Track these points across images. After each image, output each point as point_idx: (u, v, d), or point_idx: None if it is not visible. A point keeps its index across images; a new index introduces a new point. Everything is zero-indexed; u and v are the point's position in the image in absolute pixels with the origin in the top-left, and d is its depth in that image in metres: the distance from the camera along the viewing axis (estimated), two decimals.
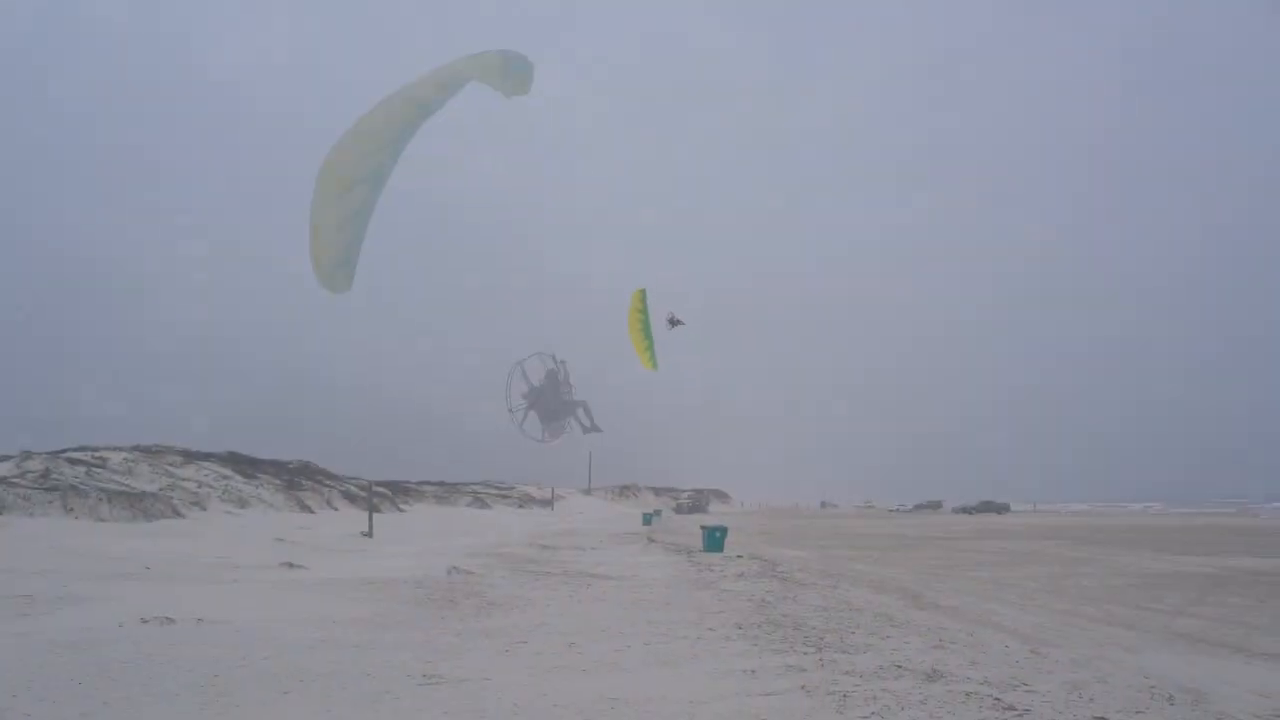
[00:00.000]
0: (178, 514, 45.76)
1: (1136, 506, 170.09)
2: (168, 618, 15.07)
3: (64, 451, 54.81)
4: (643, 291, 31.92)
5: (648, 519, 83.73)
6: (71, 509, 40.50)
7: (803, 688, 10.65)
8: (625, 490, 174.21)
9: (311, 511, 60.21)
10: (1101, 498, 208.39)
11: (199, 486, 54.60)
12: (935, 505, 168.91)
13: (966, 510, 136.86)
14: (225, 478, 59.52)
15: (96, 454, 55.70)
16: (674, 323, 31.14)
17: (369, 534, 44.04)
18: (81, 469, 50.15)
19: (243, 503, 54.92)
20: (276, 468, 71.19)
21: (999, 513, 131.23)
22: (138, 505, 43.13)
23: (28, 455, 51.39)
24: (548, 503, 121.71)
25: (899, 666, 11.89)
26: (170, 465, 58.02)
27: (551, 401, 34.74)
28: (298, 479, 69.33)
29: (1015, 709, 9.53)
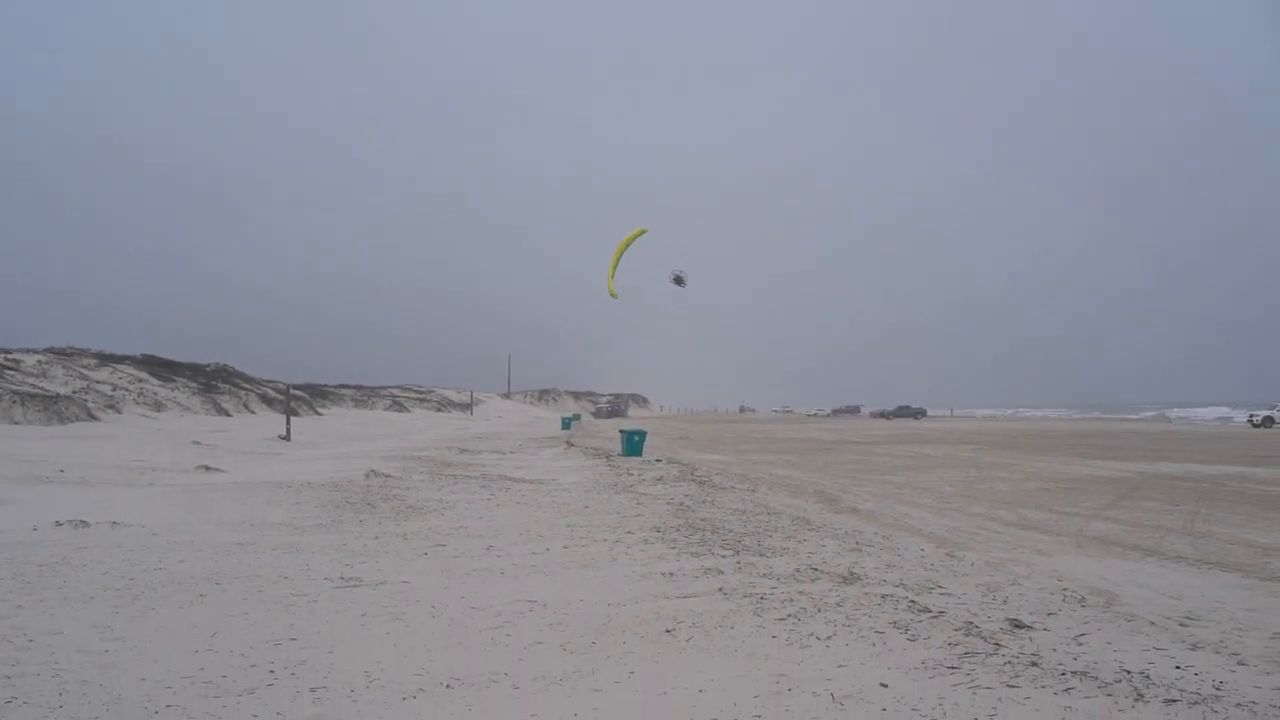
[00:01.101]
0: (92, 417, 45.28)
1: (1052, 413, 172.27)
2: (82, 521, 14.94)
3: None
4: (642, 231, 32.12)
5: (567, 423, 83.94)
6: None
7: (720, 590, 10.74)
8: (544, 394, 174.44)
9: (228, 415, 59.77)
10: (1018, 403, 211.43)
11: (114, 389, 54.00)
12: (853, 410, 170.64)
13: (884, 415, 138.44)
14: (140, 380, 58.91)
15: (9, 356, 54.90)
16: (678, 280, 31.35)
17: (286, 437, 43.84)
18: None
19: (158, 406, 54.40)
20: (193, 370, 70.57)
21: (915, 418, 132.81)
22: (51, 408, 42.60)
23: None
24: (466, 406, 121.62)
25: (816, 569, 12.02)
26: (84, 368, 57.32)
27: None
28: (215, 382, 68.76)
29: (930, 611, 9.66)
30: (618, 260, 32.00)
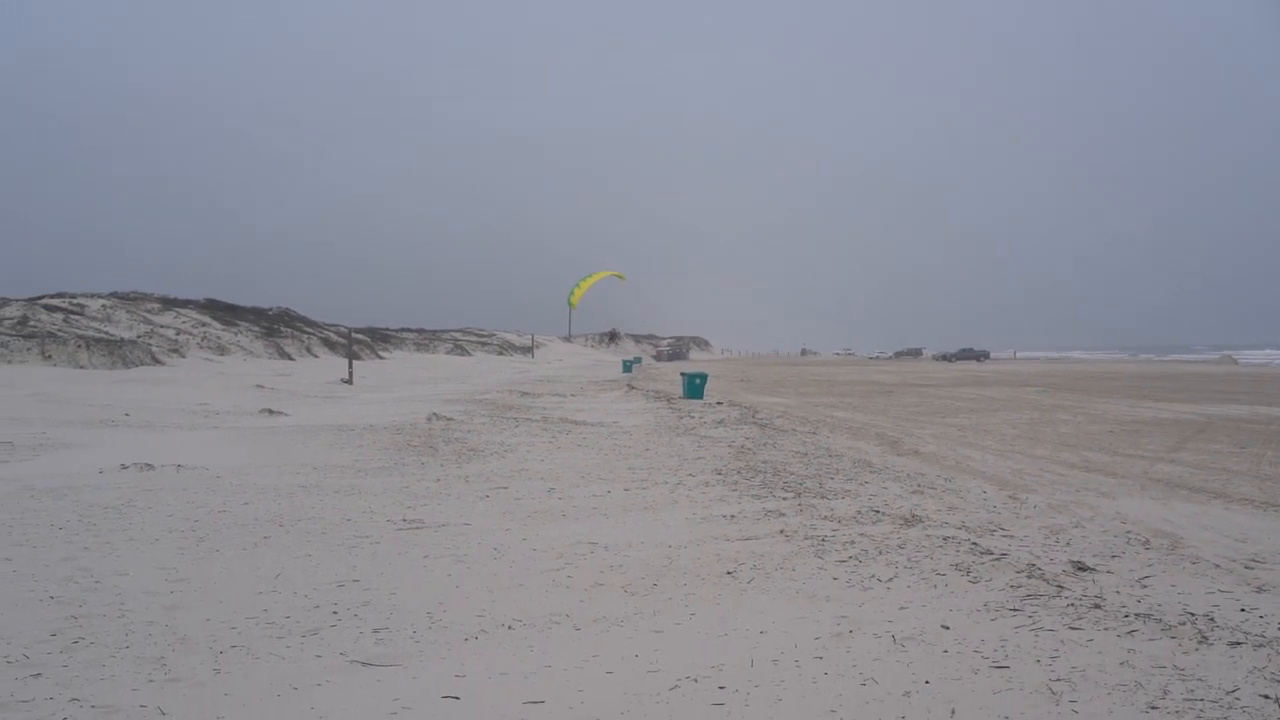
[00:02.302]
0: (156, 361, 45.76)
1: (1120, 354, 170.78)
2: (147, 464, 15.08)
3: (41, 298, 54.62)
4: (621, 277, 33.59)
5: (628, 366, 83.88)
6: (50, 356, 40.49)
7: (781, 532, 10.70)
8: (605, 337, 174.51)
9: (291, 359, 60.28)
10: (1083, 345, 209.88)
11: (177, 334, 54.57)
12: (915, 352, 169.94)
13: (946, 357, 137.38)
14: (204, 325, 59.49)
15: (74, 301, 55.54)
16: (614, 336, 33.25)
17: (349, 381, 44.10)
18: (59, 316, 50.08)
19: (221, 350, 54.94)
20: (256, 315, 71.18)
21: (978, 360, 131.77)
22: (116, 352, 43.09)
23: (4, 302, 51.22)
24: (528, 349, 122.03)
25: (877, 512, 11.96)
26: (148, 312, 57.93)
27: None
28: (277, 326, 69.34)
29: (992, 553, 9.58)
30: (587, 287, 33.35)
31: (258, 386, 37.18)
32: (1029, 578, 8.54)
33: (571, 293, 34.83)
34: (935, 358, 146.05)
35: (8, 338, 41.23)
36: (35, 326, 45.46)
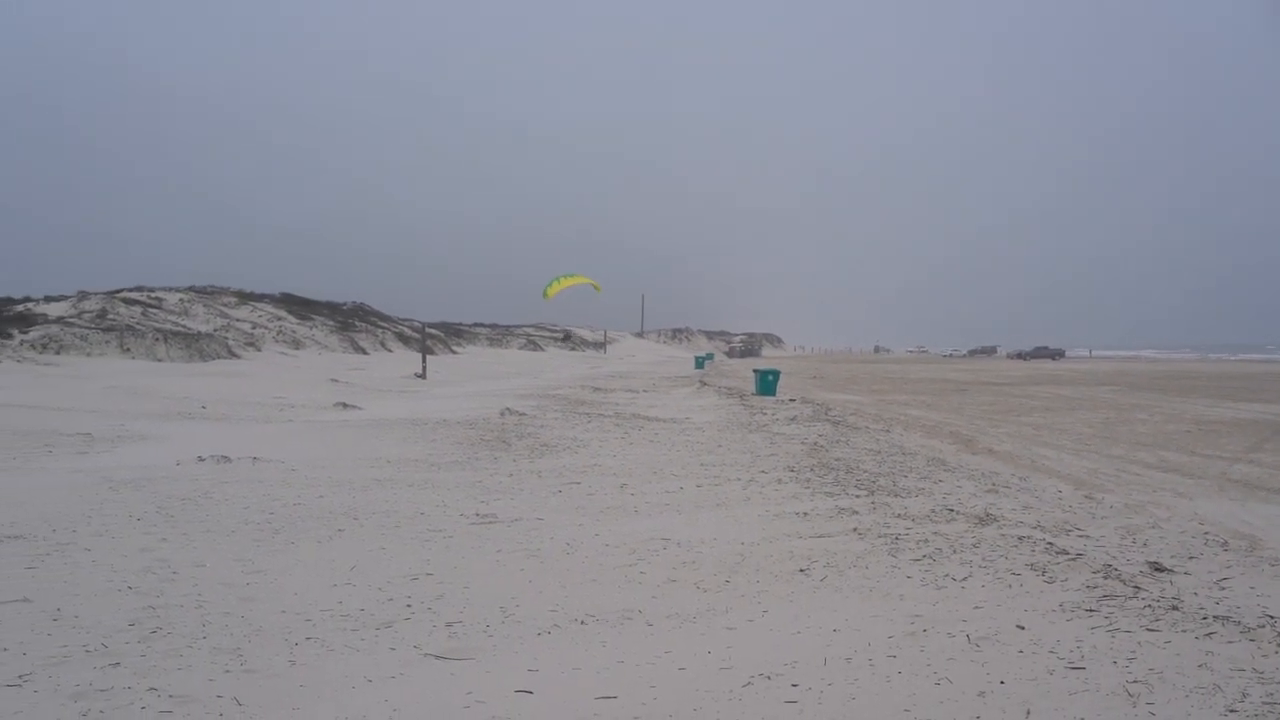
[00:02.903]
0: (233, 354, 46.28)
1: (1194, 354, 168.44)
2: (224, 456, 15.22)
3: (120, 292, 55.33)
4: (598, 289, 33.95)
5: (700, 362, 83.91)
6: (128, 349, 41.05)
7: (855, 530, 10.63)
8: (678, 334, 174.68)
9: (365, 353, 60.76)
10: (1164, 345, 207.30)
11: (253, 328, 55.15)
12: (989, 350, 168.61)
13: (1020, 355, 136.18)
14: (279, 319, 60.07)
15: (152, 294, 56.25)
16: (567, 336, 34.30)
17: (422, 375, 44.36)
18: (138, 309, 50.75)
19: (297, 343, 55.45)
20: (331, 309, 71.78)
21: (1053, 358, 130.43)
22: (193, 345, 43.61)
23: (84, 295, 51.96)
24: (600, 345, 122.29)
25: (951, 510, 11.85)
26: (225, 306, 58.60)
27: None
28: (352, 320, 69.88)
29: (1068, 553, 9.46)
30: (564, 284, 33.46)
31: (332, 380, 37.48)
32: (1105, 578, 8.43)
33: (548, 286, 34.96)
34: (1010, 356, 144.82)
35: (87, 330, 41.81)
36: (114, 320, 46.05)
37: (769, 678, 6.06)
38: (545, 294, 34.01)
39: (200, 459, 15.00)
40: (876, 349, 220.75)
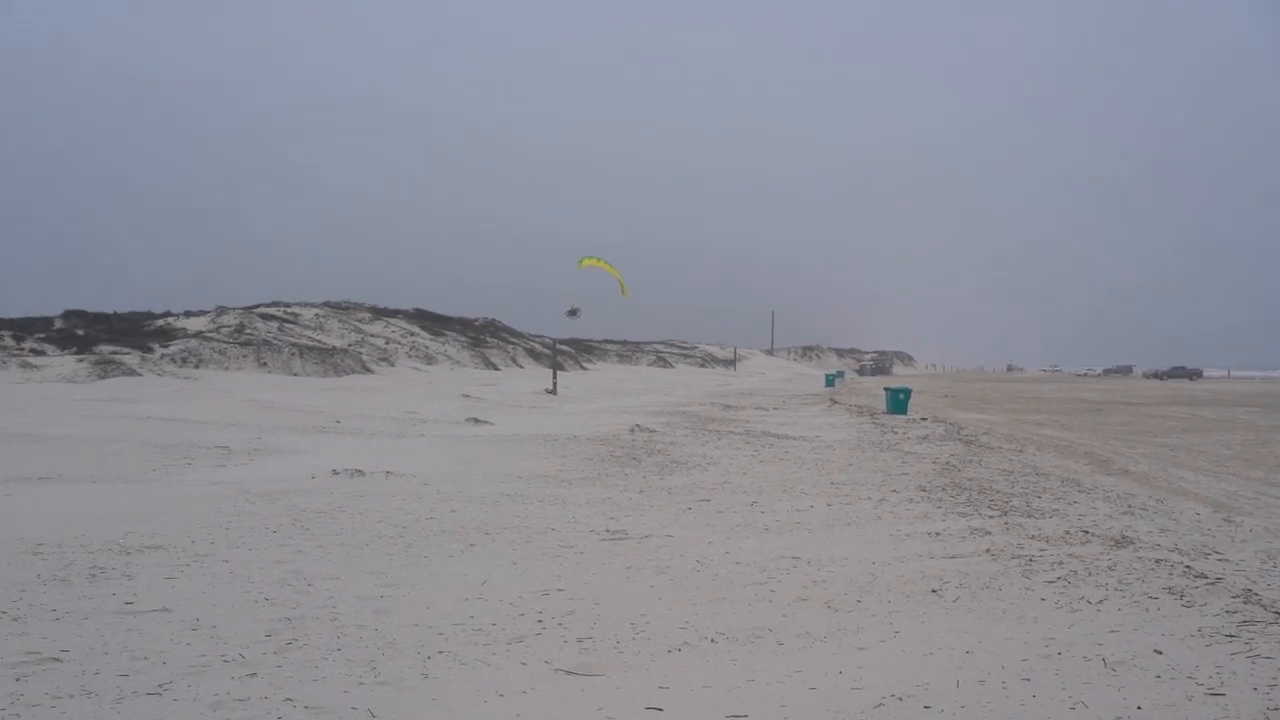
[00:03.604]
0: (367, 369, 46.97)
1: None
2: (358, 470, 15.42)
3: (257, 307, 56.52)
4: (624, 291, 34.44)
5: (830, 380, 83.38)
6: (265, 363, 41.89)
7: (988, 551, 10.46)
8: (808, 351, 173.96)
9: (496, 368, 61.29)
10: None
11: (387, 343, 55.92)
12: (1125, 370, 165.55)
13: (1157, 375, 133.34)
14: (412, 334, 60.87)
15: (289, 309, 57.34)
16: (572, 313, 33.88)
17: (553, 391, 44.61)
18: (274, 324, 51.76)
19: (429, 359, 56.11)
20: (463, 325, 72.62)
21: (1191, 378, 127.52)
22: (328, 360, 44.34)
23: (223, 310, 53.15)
24: (730, 362, 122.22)
25: (1086, 532, 11.62)
26: (359, 322, 59.51)
27: None
28: (483, 336, 70.57)
29: (1207, 577, 9.22)
30: (600, 265, 33.81)
31: (464, 395, 37.88)
32: (1245, 603, 8.19)
33: (583, 259, 34.60)
34: (1146, 375, 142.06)
35: (225, 345, 42.75)
36: (251, 334, 47.00)
37: (901, 699, 5.97)
38: (580, 264, 34.61)
39: (334, 472, 15.22)
40: (1009, 368, 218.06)
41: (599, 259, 33.10)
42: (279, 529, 10.84)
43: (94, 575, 8.54)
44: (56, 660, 6.35)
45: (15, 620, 7.19)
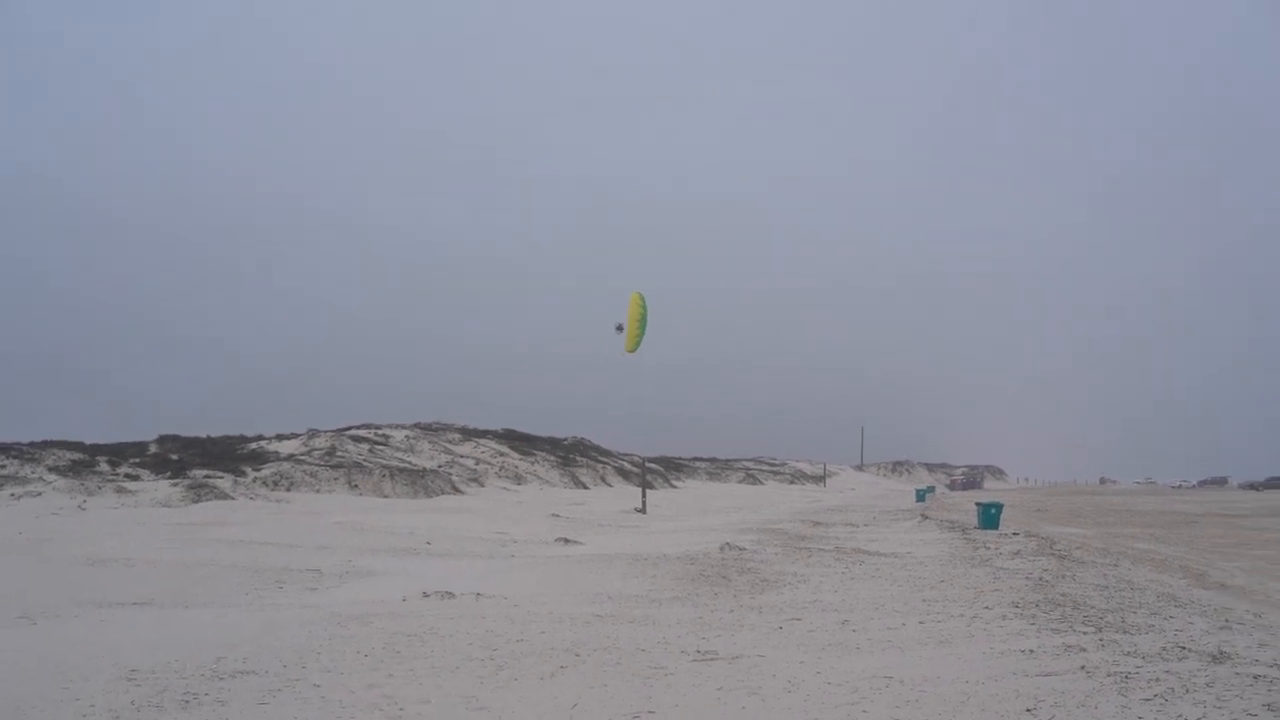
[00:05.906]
0: (457, 490, 47.18)
1: None
2: (448, 592, 15.45)
3: (348, 429, 57.12)
4: (630, 346, 34.15)
5: (921, 495, 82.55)
6: (356, 485, 42.21)
7: (1083, 668, 10.30)
8: (898, 466, 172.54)
9: (585, 487, 61.27)
10: None
11: (477, 463, 56.18)
12: (1220, 481, 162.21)
13: (1253, 486, 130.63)
14: (502, 454, 61.11)
15: (379, 431, 57.90)
16: (620, 329, 34.30)
17: (642, 510, 44.55)
18: (365, 446, 52.26)
19: (518, 479, 56.26)
20: (552, 444, 72.82)
21: None
22: (419, 482, 44.61)
23: (314, 433, 53.77)
24: (819, 478, 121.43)
25: (1183, 648, 11.41)
26: (449, 442, 59.88)
27: None
28: (572, 455, 70.73)
29: None
30: (637, 307, 33.85)
31: (553, 515, 37.91)
32: None
33: (635, 295, 33.65)
34: (1242, 486, 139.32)
35: (317, 468, 43.20)
36: (342, 457, 47.50)
37: None
38: (633, 297, 34.17)
39: (425, 595, 15.26)
40: (1102, 480, 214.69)
41: (643, 303, 32.76)
42: (370, 653, 10.87)
43: (187, 702, 8.60)
44: None
45: None
